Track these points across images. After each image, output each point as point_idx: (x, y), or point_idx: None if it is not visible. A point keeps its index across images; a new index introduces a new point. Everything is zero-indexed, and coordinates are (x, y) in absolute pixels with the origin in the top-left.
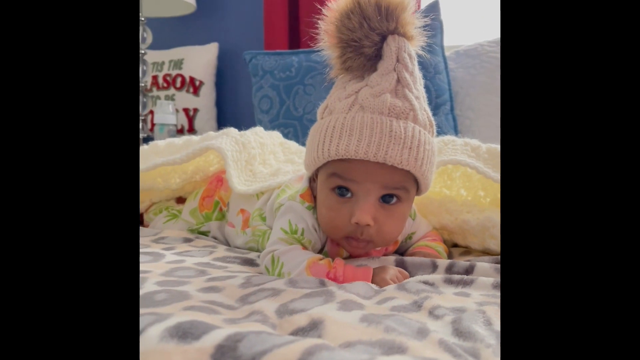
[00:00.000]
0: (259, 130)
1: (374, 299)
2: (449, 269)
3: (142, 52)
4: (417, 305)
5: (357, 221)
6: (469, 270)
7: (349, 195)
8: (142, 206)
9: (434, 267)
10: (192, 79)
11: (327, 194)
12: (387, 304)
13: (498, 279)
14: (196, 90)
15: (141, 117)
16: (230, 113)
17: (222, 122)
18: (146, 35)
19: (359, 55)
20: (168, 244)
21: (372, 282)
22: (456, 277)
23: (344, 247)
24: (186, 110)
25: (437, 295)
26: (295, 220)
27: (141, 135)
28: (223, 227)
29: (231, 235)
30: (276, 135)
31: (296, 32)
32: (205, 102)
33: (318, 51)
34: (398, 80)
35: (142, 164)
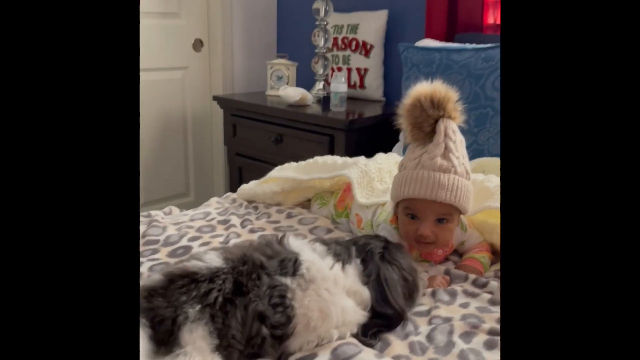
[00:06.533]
0: (379, 157)
1: None
2: (473, 283)
3: (325, 23)
4: (427, 313)
5: (420, 234)
6: (483, 286)
7: (415, 217)
8: (310, 195)
9: (464, 279)
10: (364, 43)
11: (403, 217)
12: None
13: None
14: (367, 53)
15: (322, 78)
16: (395, 73)
17: (387, 80)
18: (328, 9)
19: (420, 131)
20: (317, 235)
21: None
22: (470, 289)
23: (415, 247)
24: (358, 70)
25: (445, 306)
26: (387, 236)
27: (321, 94)
28: (348, 222)
29: (353, 230)
30: (393, 157)
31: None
32: (374, 63)
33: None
34: (446, 148)
35: (307, 175)
